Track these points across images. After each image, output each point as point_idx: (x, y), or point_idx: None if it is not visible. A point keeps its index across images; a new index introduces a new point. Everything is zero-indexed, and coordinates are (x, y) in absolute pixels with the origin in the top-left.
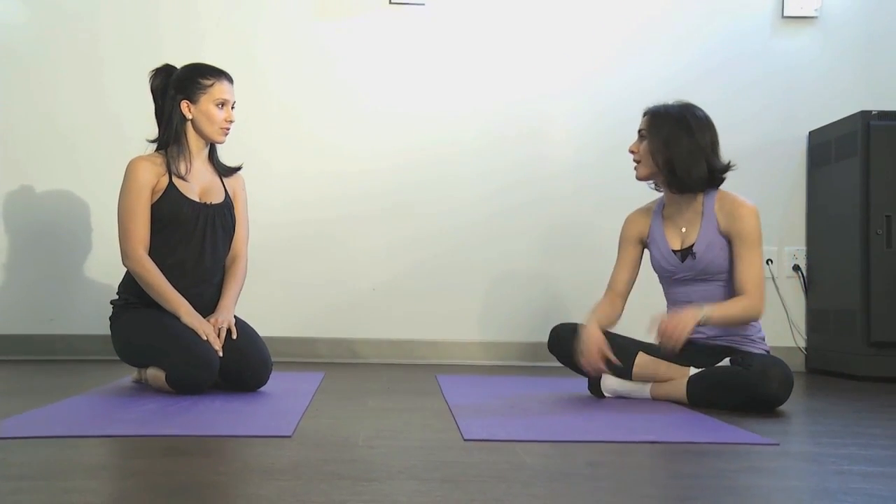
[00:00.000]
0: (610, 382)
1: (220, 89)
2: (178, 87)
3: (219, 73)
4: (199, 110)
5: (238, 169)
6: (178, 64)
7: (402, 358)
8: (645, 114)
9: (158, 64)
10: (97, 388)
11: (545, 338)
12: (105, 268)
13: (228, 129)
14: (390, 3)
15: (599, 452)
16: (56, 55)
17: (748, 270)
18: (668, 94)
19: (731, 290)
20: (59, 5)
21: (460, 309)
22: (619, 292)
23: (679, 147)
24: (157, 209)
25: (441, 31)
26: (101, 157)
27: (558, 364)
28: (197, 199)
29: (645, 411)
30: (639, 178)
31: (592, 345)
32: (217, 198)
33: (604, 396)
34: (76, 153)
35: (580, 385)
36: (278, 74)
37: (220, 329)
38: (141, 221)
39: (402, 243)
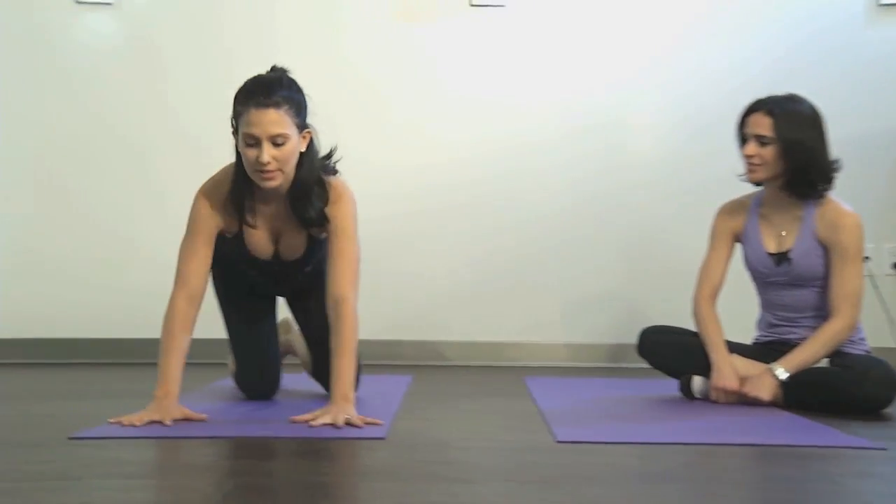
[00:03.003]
0: (701, 384)
1: (246, 121)
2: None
3: (247, 99)
4: (240, 145)
5: (321, 223)
6: (251, 67)
7: (488, 360)
8: (769, 114)
9: (227, 70)
10: (194, 391)
11: (632, 339)
12: None
13: (265, 172)
14: (471, 5)
15: (694, 454)
16: (129, 68)
17: (844, 285)
18: (753, 81)
19: (826, 298)
20: (138, 16)
21: (545, 309)
22: (715, 288)
23: (816, 151)
24: (221, 248)
25: (520, 30)
26: (172, 166)
27: (646, 366)
28: (267, 258)
29: (739, 413)
30: (753, 181)
31: (733, 384)
32: (294, 253)
33: (695, 398)
34: (146, 162)
35: (669, 387)
36: (359, 75)
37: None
38: (193, 265)
39: (486, 243)
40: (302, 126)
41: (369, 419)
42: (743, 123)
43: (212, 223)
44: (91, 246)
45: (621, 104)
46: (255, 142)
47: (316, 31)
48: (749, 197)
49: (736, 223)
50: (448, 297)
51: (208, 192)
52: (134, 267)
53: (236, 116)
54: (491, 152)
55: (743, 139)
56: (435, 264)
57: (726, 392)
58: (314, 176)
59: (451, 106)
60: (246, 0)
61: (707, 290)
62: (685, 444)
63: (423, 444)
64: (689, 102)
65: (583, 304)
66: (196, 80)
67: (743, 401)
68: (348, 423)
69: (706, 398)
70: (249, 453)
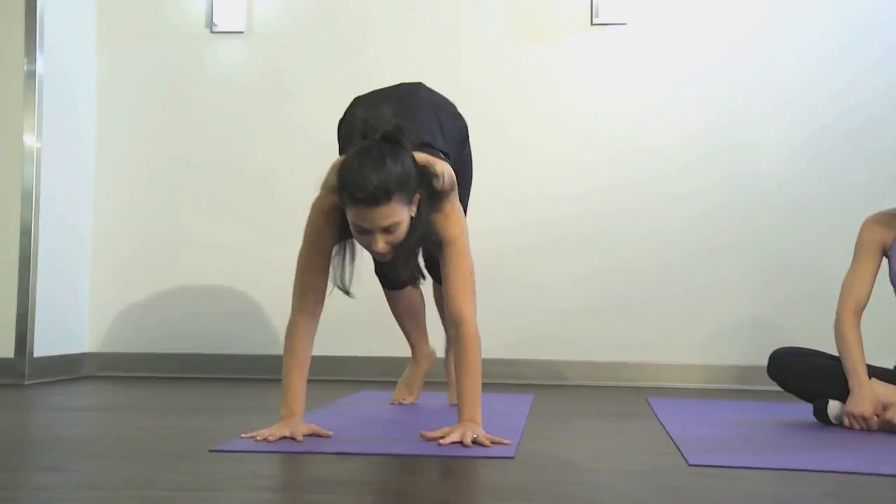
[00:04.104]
0: (837, 409)
1: (355, 213)
2: None
3: (351, 192)
4: (350, 225)
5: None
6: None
7: (609, 380)
8: None
9: (350, 93)
10: (321, 408)
11: (761, 360)
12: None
13: (383, 255)
14: (592, 24)
15: (837, 483)
16: (257, 92)
17: None
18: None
19: None
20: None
21: (667, 329)
22: (861, 304)
23: None
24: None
25: (642, 48)
26: (296, 188)
27: (776, 388)
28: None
29: (882, 441)
30: None
31: (870, 410)
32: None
33: (831, 423)
34: (272, 183)
35: (801, 410)
36: (479, 95)
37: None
38: (311, 279)
39: (606, 260)
40: (412, 194)
41: (497, 438)
42: None
43: (328, 240)
44: (221, 265)
45: (745, 121)
46: (365, 231)
47: (437, 53)
48: None
49: (885, 235)
50: (567, 314)
51: (323, 203)
52: (258, 287)
53: (341, 203)
54: (614, 166)
55: None
56: (553, 281)
57: (863, 418)
58: (423, 238)
59: (575, 122)
60: (368, 25)
61: (851, 305)
62: (826, 471)
63: (551, 465)
64: (815, 120)
65: (709, 323)
66: (320, 103)
67: (885, 428)
68: (476, 443)
69: (842, 424)
70: (380, 469)
